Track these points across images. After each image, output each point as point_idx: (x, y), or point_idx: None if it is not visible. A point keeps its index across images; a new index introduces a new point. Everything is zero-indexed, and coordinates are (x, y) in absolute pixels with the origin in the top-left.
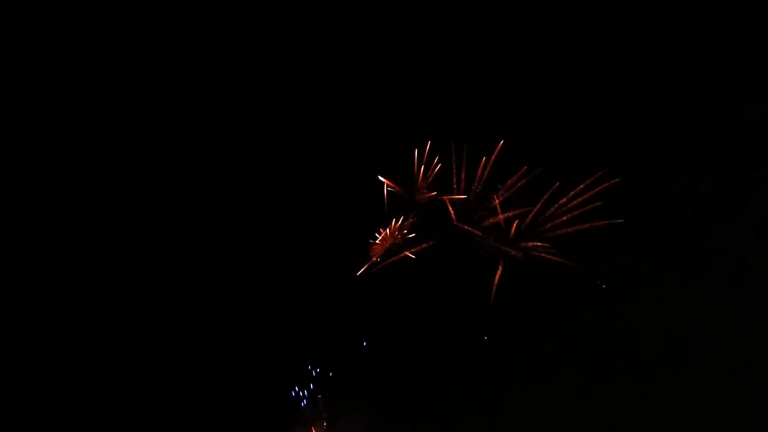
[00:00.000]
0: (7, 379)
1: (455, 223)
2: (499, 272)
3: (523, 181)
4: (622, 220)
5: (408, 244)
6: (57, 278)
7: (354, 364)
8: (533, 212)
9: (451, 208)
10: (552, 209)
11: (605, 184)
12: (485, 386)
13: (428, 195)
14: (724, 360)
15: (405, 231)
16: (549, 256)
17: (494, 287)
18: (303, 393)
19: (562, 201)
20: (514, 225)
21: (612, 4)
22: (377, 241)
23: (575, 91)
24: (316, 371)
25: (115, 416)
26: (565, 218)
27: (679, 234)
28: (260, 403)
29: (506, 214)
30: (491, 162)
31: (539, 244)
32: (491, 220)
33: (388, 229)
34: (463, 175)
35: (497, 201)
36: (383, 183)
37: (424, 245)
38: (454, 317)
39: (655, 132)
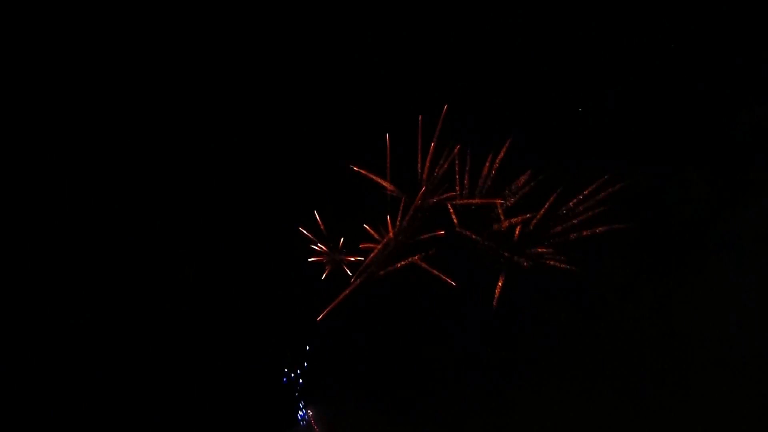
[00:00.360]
0: (7, 379)
1: (457, 228)
2: (500, 282)
3: (527, 187)
4: (627, 225)
5: (411, 247)
6: (59, 278)
7: (355, 365)
8: (537, 218)
9: (453, 213)
10: (556, 215)
11: (609, 190)
12: (486, 387)
13: (432, 199)
14: (724, 359)
15: (406, 233)
16: (554, 263)
17: (496, 295)
18: (297, 373)
19: (569, 206)
20: (518, 230)
21: (610, 9)
22: (378, 245)
23: (573, 92)
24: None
25: (115, 415)
26: (568, 224)
27: (678, 235)
28: (261, 402)
29: (510, 220)
30: (497, 161)
31: (543, 250)
32: (495, 227)
33: (390, 231)
34: (466, 180)
35: (500, 209)
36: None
37: (419, 255)
38: (456, 320)
39: (655, 135)
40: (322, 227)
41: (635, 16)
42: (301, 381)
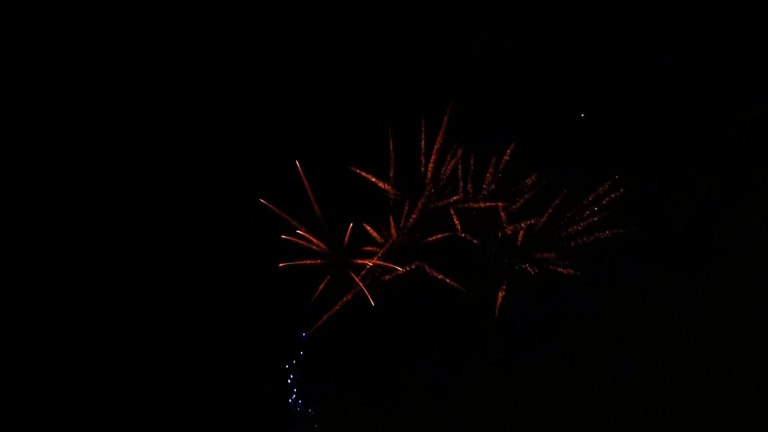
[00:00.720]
0: (7, 379)
1: (460, 233)
2: (501, 292)
3: (532, 192)
4: (630, 230)
5: (413, 251)
6: (58, 278)
7: (356, 366)
8: (540, 222)
9: (456, 217)
10: (560, 220)
11: (612, 195)
12: (488, 388)
13: (435, 202)
14: (725, 359)
15: (410, 236)
16: (559, 269)
17: (498, 302)
18: (293, 364)
19: (574, 211)
20: (521, 235)
21: (610, 11)
22: (380, 248)
23: (575, 96)
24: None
25: (114, 415)
26: (572, 229)
27: (679, 235)
28: (261, 403)
29: (514, 225)
30: (501, 165)
31: (547, 255)
32: (498, 233)
33: (393, 234)
34: (470, 184)
35: (503, 213)
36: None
37: (423, 260)
38: (458, 323)
39: (655, 135)
40: (325, 227)
41: (634, 18)
42: (292, 374)
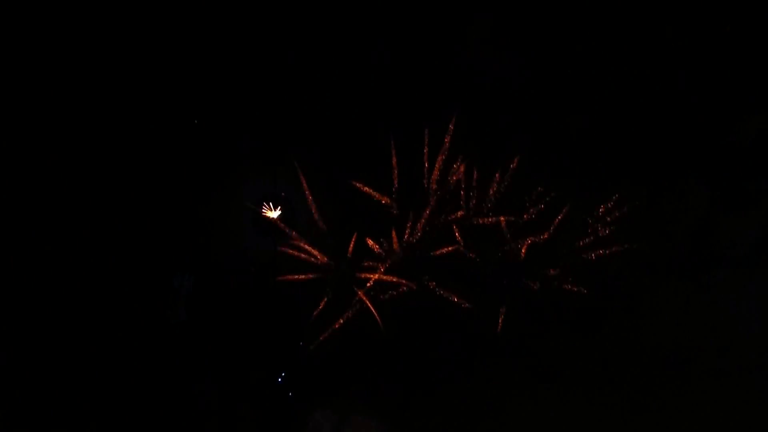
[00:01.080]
0: (5, 382)
1: (462, 248)
2: (503, 308)
3: (537, 207)
4: (637, 245)
5: (415, 265)
6: (55, 286)
7: (359, 370)
8: (545, 238)
9: (458, 232)
10: (567, 236)
11: (615, 214)
12: (489, 403)
13: (439, 217)
14: (726, 369)
15: (412, 250)
16: (565, 286)
17: (501, 317)
18: (292, 372)
19: (579, 226)
20: (524, 249)
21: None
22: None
23: (575, 108)
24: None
25: (113, 420)
26: (577, 246)
27: (680, 245)
28: (260, 411)
29: (518, 241)
30: (506, 179)
31: (552, 272)
32: (502, 249)
33: (395, 247)
34: (472, 199)
35: (506, 229)
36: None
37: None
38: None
39: (654, 144)
40: (328, 240)
41: (637, 32)
42: (291, 383)
